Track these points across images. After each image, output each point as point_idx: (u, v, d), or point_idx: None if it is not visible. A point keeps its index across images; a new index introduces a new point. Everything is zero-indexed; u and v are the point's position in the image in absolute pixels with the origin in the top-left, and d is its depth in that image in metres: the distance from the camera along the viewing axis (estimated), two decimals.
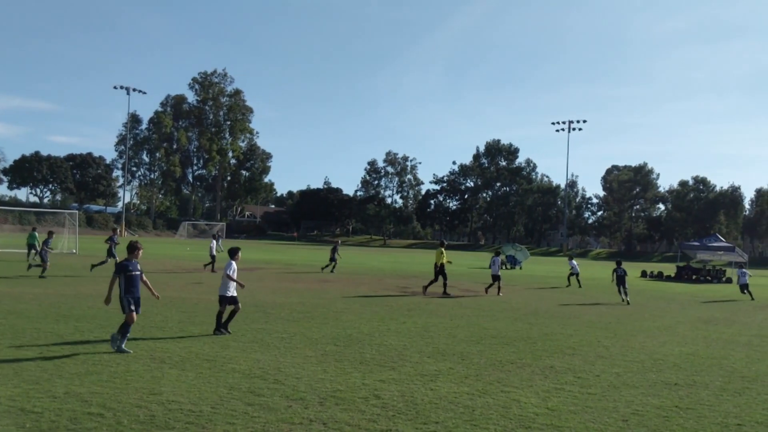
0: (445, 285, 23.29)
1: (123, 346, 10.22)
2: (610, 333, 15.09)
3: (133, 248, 10.77)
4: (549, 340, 13.57)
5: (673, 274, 44.82)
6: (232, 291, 12.46)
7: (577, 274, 31.32)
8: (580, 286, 30.34)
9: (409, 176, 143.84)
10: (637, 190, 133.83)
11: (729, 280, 43.73)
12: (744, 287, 29.07)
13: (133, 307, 10.41)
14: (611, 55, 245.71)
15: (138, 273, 10.63)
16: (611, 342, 13.67)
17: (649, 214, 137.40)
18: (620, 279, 23.64)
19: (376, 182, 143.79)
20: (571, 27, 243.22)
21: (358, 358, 10.56)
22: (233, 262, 12.58)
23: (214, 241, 32.93)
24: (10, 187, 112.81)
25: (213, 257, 31.14)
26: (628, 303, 22.79)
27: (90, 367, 9.02)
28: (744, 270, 30.16)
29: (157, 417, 6.86)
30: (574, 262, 32.14)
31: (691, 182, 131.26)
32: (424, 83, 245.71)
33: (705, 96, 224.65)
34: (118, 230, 28.52)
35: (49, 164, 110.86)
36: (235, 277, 12.42)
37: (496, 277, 24.55)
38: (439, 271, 23.23)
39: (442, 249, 23.71)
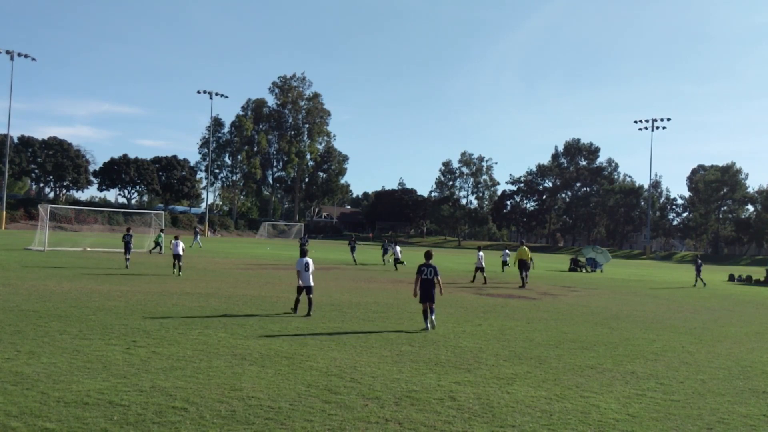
0: (524, 279, 27.42)
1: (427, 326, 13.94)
2: (695, 339, 14.56)
3: (429, 255, 14.42)
4: (630, 345, 13.21)
5: (762, 278, 42.76)
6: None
7: (482, 269, 28.86)
8: (473, 280, 29.62)
9: (484, 177, 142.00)
10: (725, 190, 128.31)
11: None
12: (503, 264, 38.31)
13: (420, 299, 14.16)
14: (694, 51, 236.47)
15: (428, 277, 14.03)
16: (696, 348, 13.20)
17: (737, 215, 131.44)
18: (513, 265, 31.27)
19: (450, 183, 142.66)
20: (652, 22, 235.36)
21: (434, 359, 10.56)
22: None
23: (398, 247, 37.03)
24: (100, 189, 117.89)
25: (397, 259, 35.44)
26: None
27: (174, 363, 9.35)
28: (507, 251, 40.29)
29: (237, 412, 7.06)
30: (481, 254, 29.59)
31: None
32: (500, 83, 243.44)
33: None
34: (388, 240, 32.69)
35: (136, 167, 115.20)
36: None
37: (481, 269, 28.70)
38: (523, 265, 27.46)
39: (526, 248, 28.47)
